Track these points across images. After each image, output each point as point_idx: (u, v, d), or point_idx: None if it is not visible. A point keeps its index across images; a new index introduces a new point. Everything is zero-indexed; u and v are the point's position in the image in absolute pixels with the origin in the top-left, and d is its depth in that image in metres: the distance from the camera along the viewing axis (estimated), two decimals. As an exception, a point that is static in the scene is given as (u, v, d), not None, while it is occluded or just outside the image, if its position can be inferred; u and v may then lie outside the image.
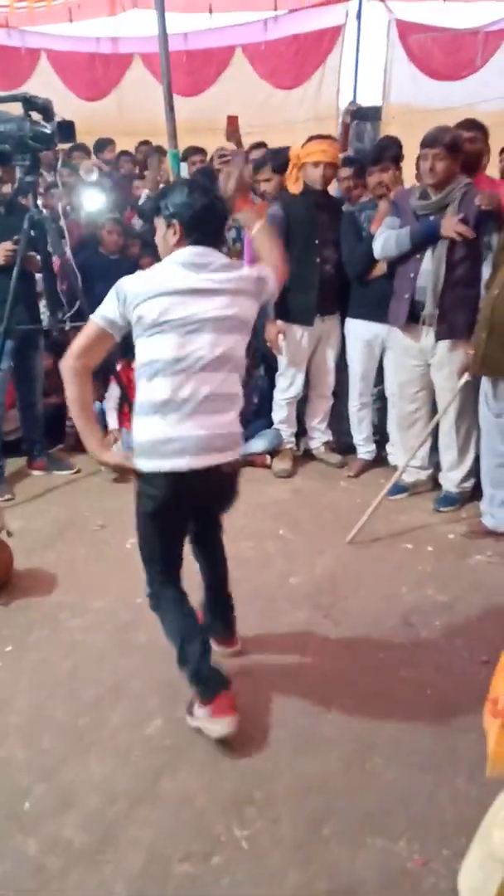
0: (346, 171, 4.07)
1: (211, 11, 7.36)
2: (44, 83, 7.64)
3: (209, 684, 2.15)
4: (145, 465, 2.08)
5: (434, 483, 3.76)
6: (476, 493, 3.56)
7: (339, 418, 4.20)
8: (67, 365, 2.07)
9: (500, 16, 6.58)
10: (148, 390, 2.05)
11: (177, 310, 1.99)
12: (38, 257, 3.70)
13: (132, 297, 2.00)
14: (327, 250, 3.79)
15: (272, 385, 4.17)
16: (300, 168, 3.71)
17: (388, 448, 3.93)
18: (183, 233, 2.05)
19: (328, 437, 4.21)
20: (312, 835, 1.89)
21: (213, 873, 1.80)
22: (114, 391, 4.07)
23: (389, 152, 3.57)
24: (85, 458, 4.19)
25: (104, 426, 4.13)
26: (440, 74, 6.95)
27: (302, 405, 4.20)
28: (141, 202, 5.46)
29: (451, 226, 3.15)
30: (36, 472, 4.10)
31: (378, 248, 3.44)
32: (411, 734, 2.22)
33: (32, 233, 3.57)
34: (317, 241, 3.76)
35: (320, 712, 2.30)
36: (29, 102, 3.41)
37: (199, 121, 6.39)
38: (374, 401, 4.06)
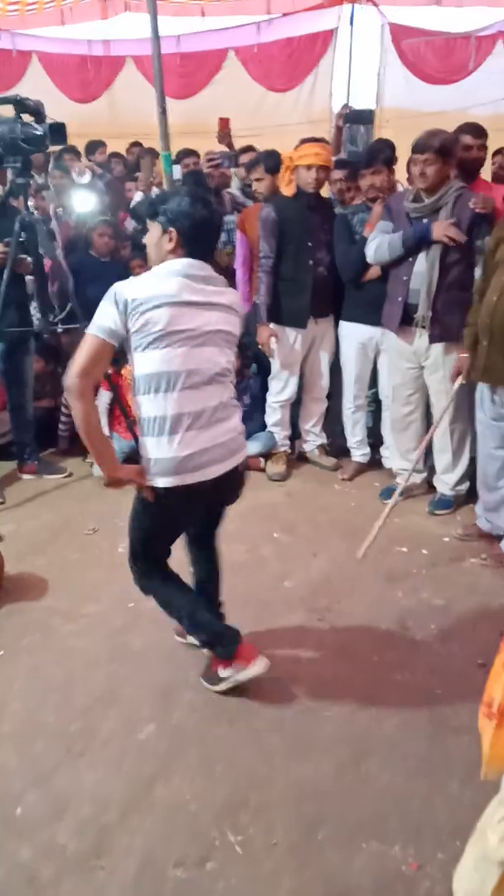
0: (338, 174, 4.07)
1: (203, 14, 7.35)
2: (35, 85, 7.61)
3: (228, 641, 2.29)
4: (166, 481, 2.05)
5: (429, 486, 3.75)
6: (471, 496, 3.56)
7: (333, 421, 4.20)
8: (73, 385, 1.97)
9: (492, 20, 6.60)
10: (158, 405, 2.01)
11: (184, 321, 2.00)
12: (29, 260, 3.69)
13: (134, 304, 1.95)
14: (320, 253, 3.79)
15: (264, 387, 4.16)
16: (293, 171, 3.70)
17: (383, 451, 3.93)
18: (179, 242, 2.04)
19: (322, 440, 4.21)
20: (307, 839, 1.88)
21: (207, 879, 1.79)
22: (103, 396, 4.05)
23: (382, 155, 3.57)
24: (76, 462, 4.19)
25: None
26: (433, 78, 6.95)
27: (296, 408, 4.19)
28: (133, 204, 5.45)
29: (442, 229, 3.16)
30: (27, 476, 4.08)
31: (371, 253, 3.44)
32: (406, 738, 2.21)
33: (23, 235, 3.56)
34: (310, 244, 3.75)
35: (314, 717, 2.30)
36: (20, 104, 3.39)
37: (191, 123, 6.39)
38: (369, 404, 4.06)
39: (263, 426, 4.17)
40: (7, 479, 4.04)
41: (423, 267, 3.24)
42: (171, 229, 2.04)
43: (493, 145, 4.21)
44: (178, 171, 4.82)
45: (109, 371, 4.01)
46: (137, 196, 5.57)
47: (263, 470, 4.09)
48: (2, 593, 2.95)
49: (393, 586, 3.01)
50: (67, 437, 4.36)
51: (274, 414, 4.11)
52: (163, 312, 1.96)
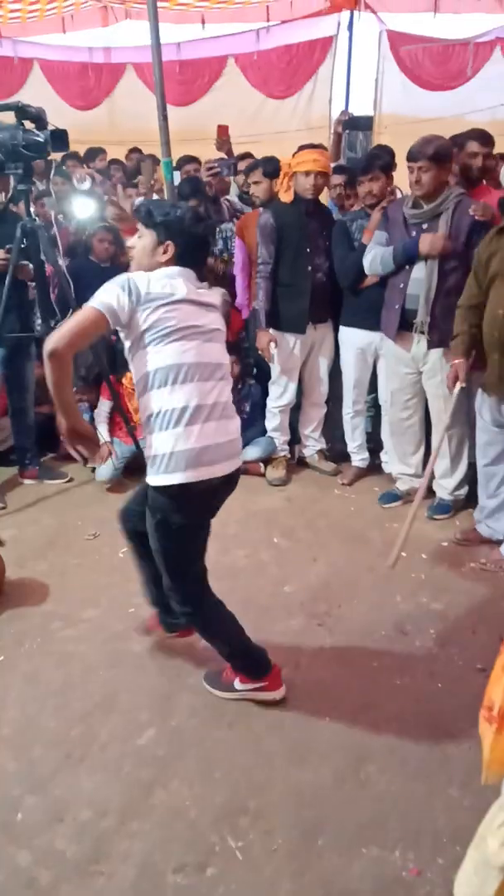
0: (338, 179, 4.09)
1: (203, 22, 7.40)
2: (36, 93, 7.66)
3: (263, 665, 2.34)
4: (184, 476, 2.01)
5: (428, 491, 3.75)
6: (469, 501, 3.57)
7: (332, 426, 4.21)
8: (56, 351, 1.90)
9: (489, 27, 6.64)
10: (175, 396, 2.00)
11: (194, 318, 2.05)
12: (31, 266, 3.70)
13: (148, 297, 1.96)
14: (318, 259, 3.80)
15: (265, 393, 4.18)
16: (291, 177, 3.72)
17: (382, 456, 3.94)
18: (174, 256, 2.08)
19: (322, 445, 4.22)
20: (306, 845, 1.88)
21: (207, 884, 1.79)
22: (104, 405, 4.06)
23: (379, 161, 3.58)
24: (77, 467, 4.19)
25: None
26: (431, 85, 6.99)
27: (295, 413, 4.20)
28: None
29: (428, 244, 3.18)
30: (28, 481, 4.08)
31: (366, 265, 3.48)
32: (405, 743, 2.21)
33: (25, 241, 3.57)
34: (308, 250, 3.77)
35: (313, 721, 2.30)
36: (22, 111, 3.41)
37: (191, 130, 6.42)
38: (368, 409, 4.07)
39: (265, 432, 4.18)
40: (8, 485, 4.04)
41: (421, 273, 3.25)
42: (169, 242, 2.07)
43: (491, 151, 4.21)
44: (178, 178, 4.84)
45: (110, 378, 4.03)
46: (137, 202, 5.58)
47: (263, 475, 4.09)
48: (2, 598, 2.95)
49: (392, 591, 3.01)
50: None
51: (273, 419, 4.11)
52: (177, 309, 2.00)
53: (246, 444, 4.12)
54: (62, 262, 3.79)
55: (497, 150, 3.69)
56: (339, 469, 4.13)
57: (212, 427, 2.05)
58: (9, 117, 3.43)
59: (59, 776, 2.10)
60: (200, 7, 7.17)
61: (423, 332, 3.33)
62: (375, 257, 3.40)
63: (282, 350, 3.90)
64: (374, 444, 4.06)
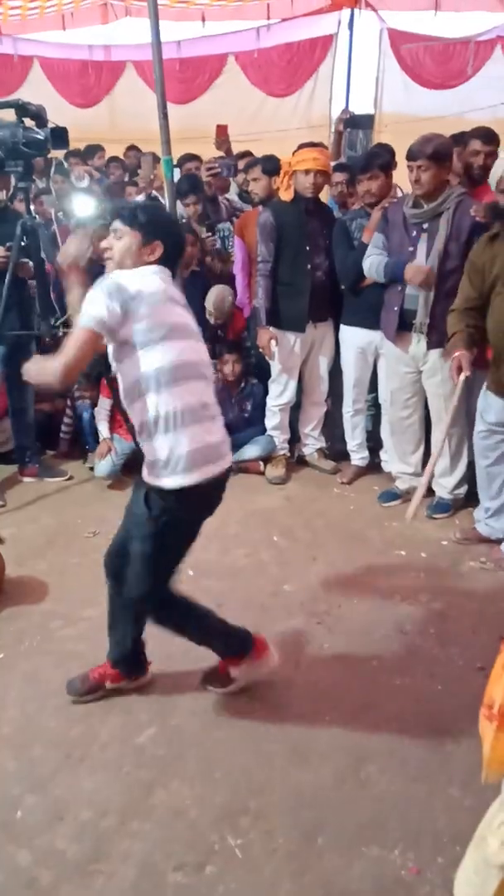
0: (339, 177, 4.08)
1: (204, 20, 7.39)
2: (36, 90, 7.65)
3: (246, 643, 2.33)
4: (187, 479, 1.99)
5: (427, 490, 3.75)
6: (469, 500, 3.57)
7: (332, 425, 4.21)
8: (59, 379, 1.94)
9: (490, 26, 6.64)
10: (175, 397, 1.97)
11: (183, 316, 2.04)
12: (31, 263, 3.70)
13: (139, 297, 1.91)
14: (318, 257, 3.79)
15: (266, 393, 4.17)
16: (291, 176, 3.72)
17: (382, 455, 3.93)
18: (160, 257, 2.04)
19: (321, 443, 4.21)
20: (306, 844, 1.88)
21: (207, 884, 1.79)
22: (104, 403, 4.06)
23: (378, 160, 3.57)
24: (77, 465, 4.20)
25: (95, 436, 4.12)
26: (431, 83, 6.99)
27: (295, 412, 4.20)
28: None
29: (412, 273, 3.22)
30: (27, 479, 4.08)
31: (365, 269, 3.50)
32: (405, 743, 2.21)
33: (25, 239, 3.56)
34: (308, 248, 3.76)
35: (313, 721, 2.29)
36: (22, 109, 3.40)
37: (191, 128, 6.41)
38: (368, 408, 4.06)
39: (264, 430, 4.18)
40: (8, 483, 4.04)
41: (420, 275, 3.25)
42: (158, 242, 2.03)
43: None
44: (178, 176, 4.84)
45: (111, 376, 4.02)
46: (138, 199, 5.58)
47: (263, 473, 4.09)
48: (2, 597, 2.95)
49: (392, 590, 3.01)
50: (68, 440, 4.37)
51: (273, 417, 4.11)
52: (167, 307, 1.98)
53: (247, 442, 4.13)
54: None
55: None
56: (338, 468, 4.13)
57: (209, 427, 2.06)
58: (9, 115, 3.42)
59: (59, 776, 2.10)
60: (201, 5, 7.16)
61: (422, 333, 3.33)
62: (372, 265, 3.42)
63: (282, 348, 3.89)
64: (373, 442, 4.06)
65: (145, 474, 2.08)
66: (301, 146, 3.75)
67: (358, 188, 3.69)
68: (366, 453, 4.07)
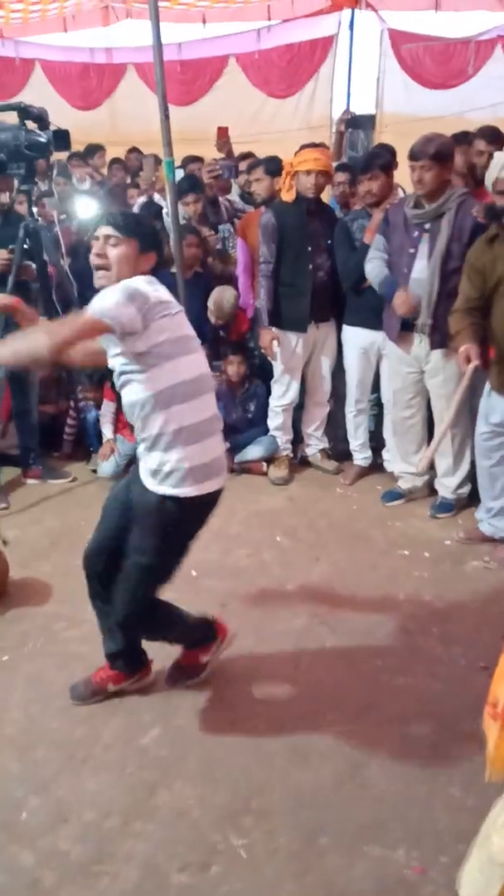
0: (341, 177, 4.08)
1: (204, 22, 7.39)
2: (38, 93, 7.67)
3: (211, 628, 2.42)
4: (201, 488, 2.01)
5: (430, 489, 3.76)
6: (472, 500, 3.56)
7: (335, 425, 4.21)
8: (48, 351, 1.80)
9: (490, 25, 6.63)
10: (194, 411, 1.98)
11: (190, 327, 2.05)
12: (34, 266, 3.70)
13: (162, 307, 1.89)
14: (320, 258, 3.79)
15: (269, 393, 4.18)
16: (293, 176, 3.72)
17: (385, 454, 3.93)
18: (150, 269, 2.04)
19: (324, 444, 4.21)
20: (309, 845, 1.88)
21: (210, 884, 1.79)
22: (108, 406, 4.07)
23: (379, 160, 3.57)
24: (80, 467, 4.20)
25: (100, 438, 4.13)
26: (432, 83, 6.98)
27: (298, 412, 4.20)
28: (137, 209, 5.48)
29: (399, 303, 3.27)
30: (31, 481, 4.08)
31: (367, 273, 3.51)
32: (407, 742, 2.21)
33: (27, 242, 3.57)
34: (309, 249, 3.76)
35: (315, 721, 2.29)
36: (24, 111, 3.42)
37: (192, 130, 6.41)
38: (371, 407, 4.06)
39: (266, 431, 4.18)
40: (11, 485, 4.04)
41: (421, 274, 3.24)
42: (153, 253, 2.04)
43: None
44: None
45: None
46: (140, 200, 5.60)
47: (266, 474, 4.09)
48: (6, 598, 2.96)
49: (395, 590, 3.01)
50: (72, 442, 4.37)
51: (276, 418, 4.11)
52: (180, 318, 1.99)
53: (250, 443, 4.13)
54: (64, 263, 3.80)
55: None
56: (341, 468, 4.13)
57: (218, 439, 2.09)
58: (11, 118, 3.44)
59: (62, 777, 2.10)
60: (201, 6, 7.17)
61: (424, 333, 3.33)
62: (371, 273, 3.46)
63: (284, 349, 3.90)
64: (375, 442, 4.06)
65: (150, 482, 2.04)
66: (303, 147, 3.75)
67: (359, 189, 3.70)
68: (368, 453, 4.07)
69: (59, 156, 5.28)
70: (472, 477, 3.52)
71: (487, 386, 3.11)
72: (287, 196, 3.76)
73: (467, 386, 2.91)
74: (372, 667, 2.55)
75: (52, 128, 3.51)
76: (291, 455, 4.21)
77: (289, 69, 7.57)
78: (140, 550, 2.07)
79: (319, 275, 3.80)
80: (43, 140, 3.45)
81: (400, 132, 5.83)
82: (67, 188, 5.46)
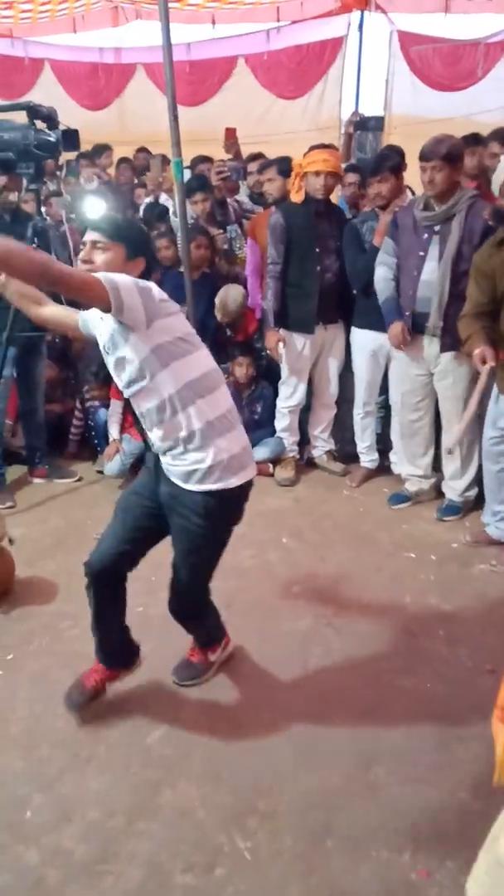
0: (351, 178, 4.07)
1: (214, 23, 7.40)
2: (47, 93, 7.68)
3: (220, 632, 2.51)
4: (236, 480, 2.04)
5: (437, 492, 3.75)
6: (479, 502, 3.55)
7: (342, 427, 4.20)
8: (42, 275, 1.72)
9: (500, 27, 6.61)
10: (219, 402, 2.02)
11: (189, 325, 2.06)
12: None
13: (166, 305, 1.92)
14: (328, 259, 3.79)
15: (276, 395, 4.17)
16: (302, 177, 3.72)
17: (392, 457, 3.92)
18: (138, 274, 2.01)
19: (331, 445, 4.21)
20: (314, 846, 1.88)
21: (215, 885, 1.78)
22: (115, 406, 4.07)
23: (388, 162, 3.56)
24: (86, 466, 4.20)
25: (107, 438, 4.13)
26: (441, 85, 6.96)
27: (305, 414, 4.20)
28: (142, 209, 5.49)
29: (393, 335, 3.35)
30: (37, 480, 4.09)
31: (375, 282, 3.51)
32: (413, 745, 2.20)
33: (36, 241, 3.58)
34: (317, 250, 3.76)
35: (321, 723, 2.29)
36: (33, 111, 3.42)
37: (201, 131, 6.41)
38: (379, 409, 4.05)
39: (273, 432, 4.18)
40: (17, 483, 4.05)
41: (432, 276, 3.24)
42: (141, 258, 2.03)
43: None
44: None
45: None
46: (147, 201, 5.61)
47: (272, 475, 4.09)
48: (11, 597, 2.96)
49: (401, 592, 3.00)
50: (77, 441, 4.38)
51: (283, 419, 4.11)
52: (181, 317, 2.01)
53: (256, 444, 4.13)
54: (73, 262, 3.80)
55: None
56: (347, 470, 4.12)
57: (241, 429, 2.12)
58: (20, 117, 3.44)
59: (66, 776, 2.10)
60: (211, 7, 7.17)
61: (434, 336, 3.32)
62: (378, 283, 3.47)
63: (291, 350, 3.89)
64: (382, 444, 4.05)
65: (190, 484, 2.02)
66: (312, 148, 3.75)
67: (368, 191, 3.69)
68: (375, 455, 4.06)
69: (68, 156, 5.29)
70: (479, 480, 3.51)
71: (495, 390, 3.10)
72: (296, 197, 3.76)
73: (483, 388, 2.86)
74: (377, 668, 2.54)
75: (62, 127, 3.51)
76: (298, 456, 4.21)
77: (298, 70, 7.56)
78: (192, 551, 2.13)
79: (327, 276, 3.80)
80: (52, 140, 3.45)
81: (408, 134, 5.82)
82: (76, 188, 5.46)
